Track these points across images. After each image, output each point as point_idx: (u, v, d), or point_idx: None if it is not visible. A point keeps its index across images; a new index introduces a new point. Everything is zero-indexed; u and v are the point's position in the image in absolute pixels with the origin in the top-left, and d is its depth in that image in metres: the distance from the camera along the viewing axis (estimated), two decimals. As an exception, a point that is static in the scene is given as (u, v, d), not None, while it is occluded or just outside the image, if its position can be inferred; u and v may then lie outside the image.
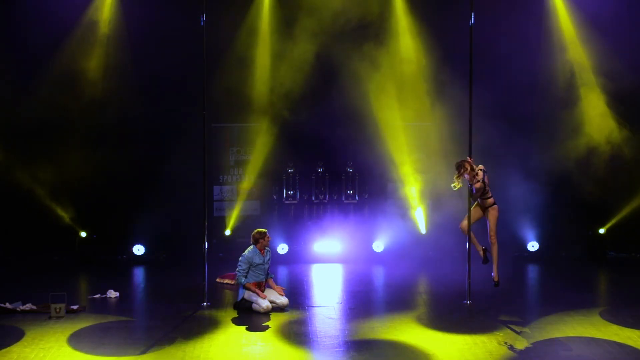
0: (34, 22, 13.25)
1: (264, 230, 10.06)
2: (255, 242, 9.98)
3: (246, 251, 9.95)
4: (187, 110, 13.20)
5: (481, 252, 10.00)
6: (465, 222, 10.01)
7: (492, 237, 9.88)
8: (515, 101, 13.80)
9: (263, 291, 9.87)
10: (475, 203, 10.02)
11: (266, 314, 9.61)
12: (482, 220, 10.08)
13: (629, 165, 14.05)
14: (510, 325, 8.96)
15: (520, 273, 12.84)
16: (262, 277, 9.95)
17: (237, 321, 9.34)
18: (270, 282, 10.12)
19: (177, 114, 13.65)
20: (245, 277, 9.85)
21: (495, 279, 9.92)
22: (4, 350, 8.00)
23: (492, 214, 9.90)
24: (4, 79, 13.23)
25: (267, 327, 9.02)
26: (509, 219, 13.76)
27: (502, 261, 12.82)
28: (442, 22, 13.72)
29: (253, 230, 10.22)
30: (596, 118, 13.83)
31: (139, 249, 13.93)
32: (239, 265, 9.86)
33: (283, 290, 10.16)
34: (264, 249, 10.00)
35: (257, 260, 9.89)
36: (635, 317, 9.28)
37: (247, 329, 8.98)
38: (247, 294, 9.84)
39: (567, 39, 13.87)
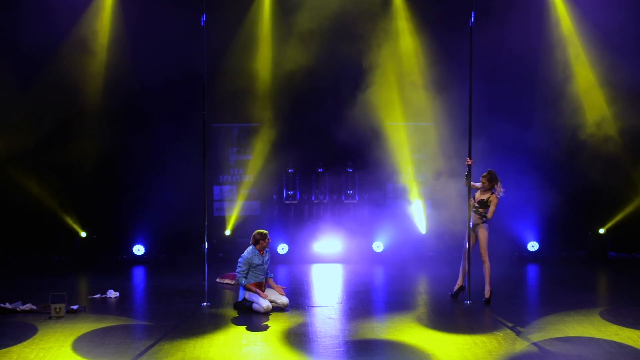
0: (34, 24, 13.25)
1: (265, 231, 10.05)
2: (256, 243, 9.97)
3: (245, 252, 9.94)
4: (187, 110, 13.21)
5: (457, 287, 10.33)
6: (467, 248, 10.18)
7: (484, 256, 10.10)
8: (513, 99, 13.84)
9: (263, 291, 9.88)
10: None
11: (266, 314, 9.61)
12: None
13: (627, 162, 14.08)
14: (510, 325, 8.96)
15: (520, 273, 12.84)
16: (261, 277, 9.95)
17: (237, 321, 9.34)
18: (270, 281, 10.12)
19: (177, 114, 13.66)
20: (246, 278, 9.85)
21: (487, 296, 10.10)
22: (4, 350, 8.00)
23: (483, 232, 10.05)
24: (3, 81, 13.24)
25: (267, 327, 9.02)
26: (509, 219, 13.78)
27: (502, 261, 12.95)
28: (442, 20, 13.74)
29: (252, 230, 10.22)
30: (595, 114, 13.87)
31: (139, 249, 13.94)
32: (239, 266, 9.86)
33: (283, 289, 10.16)
34: (263, 250, 9.99)
35: (257, 261, 9.89)
36: (635, 317, 9.28)
37: (247, 329, 8.97)
38: (248, 294, 9.84)
39: (565, 33, 13.90)
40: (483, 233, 10.08)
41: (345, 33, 13.57)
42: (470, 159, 9.97)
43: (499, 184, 10.02)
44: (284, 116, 14.02)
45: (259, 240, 9.95)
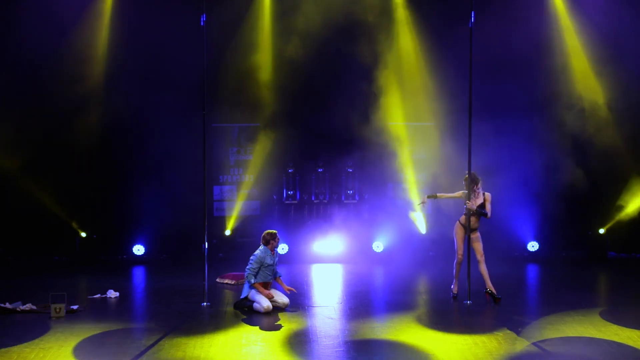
0: (34, 24, 13.25)
1: (274, 231, 10.08)
2: (266, 243, 9.99)
3: (257, 251, 9.96)
4: (187, 110, 13.21)
5: (456, 289, 10.34)
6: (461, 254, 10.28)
7: (482, 257, 10.16)
8: (511, 98, 13.84)
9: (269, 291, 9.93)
10: (460, 226, 10.24)
11: (266, 314, 9.61)
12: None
13: (628, 162, 14.10)
14: (510, 325, 8.96)
15: (520, 273, 12.84)
16: (270, 277, 9.98)
17: (237, 321, 9.33)
18: (279, 280, 10.16)
19: (178, 114, 13.66)
20: (255, 276, 9.85)
21: (494, 291, 10.10)
22: (3, 350, 7.99)
23: (478, 238, 10.14)
24: (3, 82, 13.25)
25: (267, 327, 9.02)
26: (509, 219, 13.79)
27: (502, 261, 12.95)
28: (442, 20, 13.74)
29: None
30: (595, 114, 13.89)
31: (139, 249, 13.94)
32: (250, 264, 9.87)
33: (293, 290, 10.17)
34: (274, 249, 10.02)
35: (269, 260, 9.92)
36: (635, 317, 9.28)
37: (247, 329, 8.97)
38: (252, 294, 9.83)
39: (563, 27, 13.93)
40: (479, 238, 10.15)
41: (345, 33, 13.57)
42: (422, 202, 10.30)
43: (479, 184, 10.07)
44: (284, 116, 14.01)
45: (269, 241, 9.98)
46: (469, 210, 10.06)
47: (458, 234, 10.25)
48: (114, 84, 13.68)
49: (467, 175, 10.10)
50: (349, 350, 8.10)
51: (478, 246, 10.13)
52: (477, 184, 10.09)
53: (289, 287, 10.21)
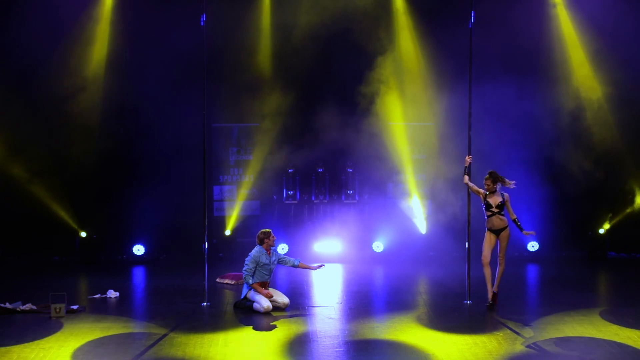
0: (34, 24, 13.26)
1: (268, 230, 10.07)
2: (261, 243, 9.99)
3: (252, 251, 9.96)
4: (187, 110, 13.23)
5: (490, 296, 9.91)
6: (486, 256, 9.90)
7: (504, 258, 9.87)
8: (511, 97, 13.85)
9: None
10: (489, 231, 9.88)
11: (266, 313, 9.61)
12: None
13: (628, 162, 14.11)
14: (510, 325, 8.96)
15: (520, 273, 12.84)
16: (267, 277, 9.97)
17: (237, 321, 9.34)
18: (303, 265, 10.21)
19: (178, 114, 13.66)
20: (252, 276, 9.85)
21: (495, 291, 9.83)
22: (3, 350, 8.00)
23: (509, 236, 9.84)
24: (2, 82, 13.26)
25: (267, 327, 9.02)
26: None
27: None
28: (442, 20, 13.74)
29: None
30: (594, 114, 13.91)
31: (139, 249, 13.94)
32: (246, 264, 9.87)
33: (323, 265, 10.32)
34: (270, 249, 10.02)
35: (264, 260, 9.91)
36: (635, 317, 9.28)
37: (247, 329, 8.97)
38: (251, 294, 9.84)
39: (563, 28, 13.95)
40: (509, 237, 9.85)
41: (345, 33, 13.57)
42: (469, 157, 9.95)
43: (505, 180, 9.76)
44: (284, 116, 14.02)
45: (263, 240, 9.98)
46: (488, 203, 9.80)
47: (485, 240, 9.86)
48: (113, 84, 13.68)
49: (487, 175, 9.80)
50: (349, 350, 8.10)
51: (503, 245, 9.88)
52: (502, 182, 9.81)
53: (314, 265, 10.28)
